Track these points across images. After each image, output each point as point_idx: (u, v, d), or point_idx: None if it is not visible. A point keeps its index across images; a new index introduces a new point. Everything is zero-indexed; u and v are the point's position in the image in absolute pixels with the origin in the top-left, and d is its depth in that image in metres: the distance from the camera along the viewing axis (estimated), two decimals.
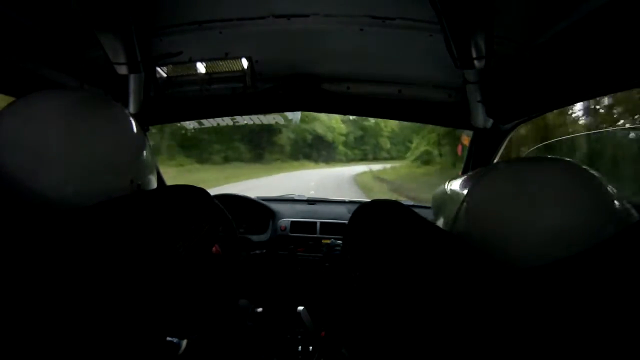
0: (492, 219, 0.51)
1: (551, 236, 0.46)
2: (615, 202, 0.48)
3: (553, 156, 0.54)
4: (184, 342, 0.72)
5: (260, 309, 1.25)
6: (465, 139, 1.41)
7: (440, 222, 0.64)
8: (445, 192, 0.67)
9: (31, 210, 0.50)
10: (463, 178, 0.63)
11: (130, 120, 0.62)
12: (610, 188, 0.49)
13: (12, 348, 0.40)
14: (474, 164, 1.36)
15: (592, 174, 0.50)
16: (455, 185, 0.64)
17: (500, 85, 1.06)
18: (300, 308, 1.23)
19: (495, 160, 1.32)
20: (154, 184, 0.65)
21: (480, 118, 1.21)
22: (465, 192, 0.57)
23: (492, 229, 0.50)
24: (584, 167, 0.52)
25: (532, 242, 0.47)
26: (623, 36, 0.63)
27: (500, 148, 1.30)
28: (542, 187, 0.49)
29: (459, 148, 1.50)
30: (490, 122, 1.23)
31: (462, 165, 1.46)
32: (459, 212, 0.56)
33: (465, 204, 0.56)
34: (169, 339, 0.72)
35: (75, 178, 0.53)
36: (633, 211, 0.48)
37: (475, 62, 0.85)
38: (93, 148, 0.55)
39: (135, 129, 0.62)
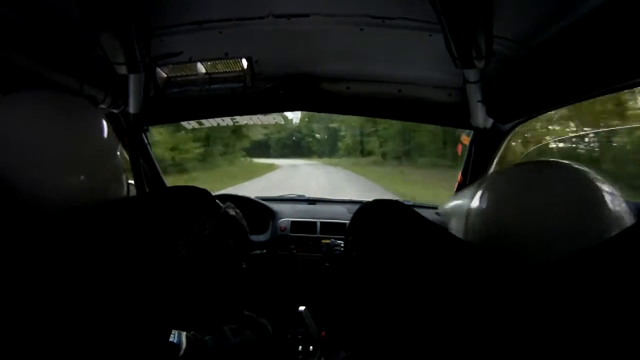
0: (502, 223, 0.51)
1: (560, 240, 0.46)
2: (620, 206, 0.48)
3: (558, 160, 0.55)
4: (184, 344, 0.72)
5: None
6: (465, 138, 1.41)
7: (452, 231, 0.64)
8: (452, 203, 0.67)
9: (22, 211, 0.49)
10: (467, 188, 0.64)
11: (102, 123, 0.61)
12: (611, 189, 0.49)
13: (14, 349, 0.40)
14: (474, 164, 1.36)
15: (597, 177, 0.50)
16: (461, 195, 0.65)
17: (500, 85, 1.06)
18: (302, 308, 1.23)
19: (495, 161, 1.32)
20: (122, 190, 0.64)
21: (480, 118, 1.21)
22: (472, 199, 0.58)
23: (501, 233, 0.51)
24: (588, 169, 0.51)
25: (541, 246, 0.47)
26: (623, 36, 0.63)
27: (500, 148, 1.30)
28: (550, 191, 0.49)
29: (459, 148, 1.50)
30: (490, 122, 1.23)
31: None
32: (467, 218, 0.57)
33: (474, 210, 0.56)
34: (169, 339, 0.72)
35: (51, 177, 0.53)
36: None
37: (475, 62, 0.85)
38: (62, 148, 0.54)
39: (106, 132, 0.61)
